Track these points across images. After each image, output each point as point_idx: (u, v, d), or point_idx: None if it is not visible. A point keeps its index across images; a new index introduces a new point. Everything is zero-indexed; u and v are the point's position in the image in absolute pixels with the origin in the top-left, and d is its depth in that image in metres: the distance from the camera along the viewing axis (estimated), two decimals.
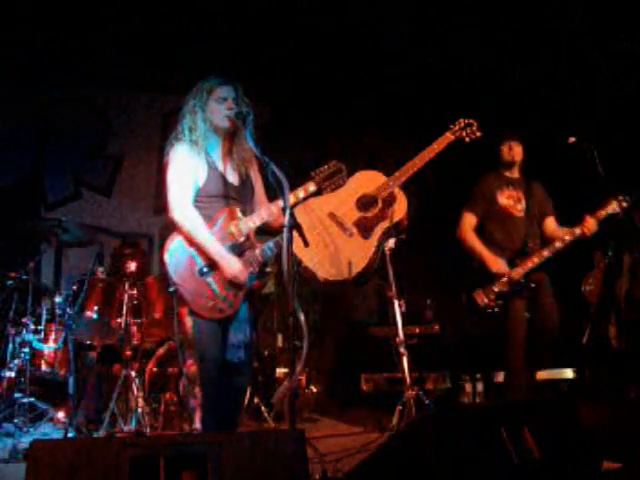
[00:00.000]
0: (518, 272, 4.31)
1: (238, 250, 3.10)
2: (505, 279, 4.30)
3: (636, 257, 5.35)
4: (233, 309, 3.08)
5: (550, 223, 4.61)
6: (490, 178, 4.65)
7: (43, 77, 6.44)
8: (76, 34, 5.93)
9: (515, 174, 4.66)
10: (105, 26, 5.89)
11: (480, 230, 4.57)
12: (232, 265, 3.03)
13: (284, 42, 6.19)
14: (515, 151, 4.59)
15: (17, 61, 6.16)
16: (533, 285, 4.32)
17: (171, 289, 3.04)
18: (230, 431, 3.08)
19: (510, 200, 4.56)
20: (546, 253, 4.34)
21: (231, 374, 3.13)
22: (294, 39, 6.17)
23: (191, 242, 3.04)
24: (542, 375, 5.54)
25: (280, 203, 3.08)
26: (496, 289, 4.32)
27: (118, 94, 6.82)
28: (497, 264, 4.34)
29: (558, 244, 4.34)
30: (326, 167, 3.30)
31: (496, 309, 4.31)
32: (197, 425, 3.07)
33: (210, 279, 3.04)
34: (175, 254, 3.05)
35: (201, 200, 3.12)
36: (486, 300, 4.34)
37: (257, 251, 3.13)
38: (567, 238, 4.34)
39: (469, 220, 4.59)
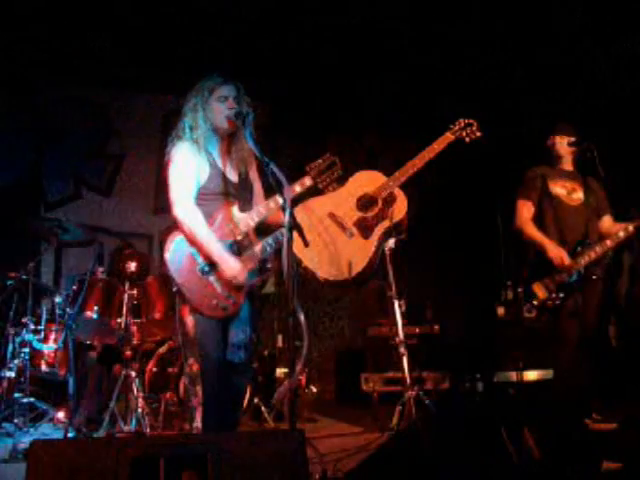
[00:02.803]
0: (580, 262, 4.12)
1: (237, 248, 3.10)
2: (566, 270, 4.11)
3: (636, 257, 5.35)
4: (236, 307, 3.08)
5: (607, 221, 4.43)
6: (541, 168, 4.47)
7: (43, 77, 6.44)
8: (76, 34, 5.94)
9: (569, 167, 4.48)
10: (105, 26, 5.89)
11: (535, 220, 4.37)
12: (231, 266, 3.03)
13: (284, 42, 6.19)
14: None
15: (17, 61, 6.16)
16: (595, 277, 4.15)
17: (174, 288, 3.04)
18: (230, 431, 3.09)
19: (564, 190, 4.38)
20: (609, 243, 4.17)
21: (231, 374, 3.13)
22: (294, 39, 6.17)
23: (191, 241, 3.04)
24: (541, 375, 5.55)
25: (278, 199, 3.12)
26: (557, 280, 4.12)
27: (118, 94, 6.82)
28: (559, 255, 4.13)
29: (622, 234, 4.18)
30: (320, 161, 3.31)
31: (557, 302, 4.10)
32: (198, 424, 3.07)
33: (212, 277, 3.04)
34: (176, 253, 3.05)
35: (201, 198, 3.12)
36: (547, 293, 4.14)
37: (256, 248, 3.13)
38: (631, 228, 4.18)
39: (526, 209, 4.38)
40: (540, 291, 4.17)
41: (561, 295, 4.12)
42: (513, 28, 5.97)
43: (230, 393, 3.15)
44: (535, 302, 4.18)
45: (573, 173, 4.48)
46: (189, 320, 3.09)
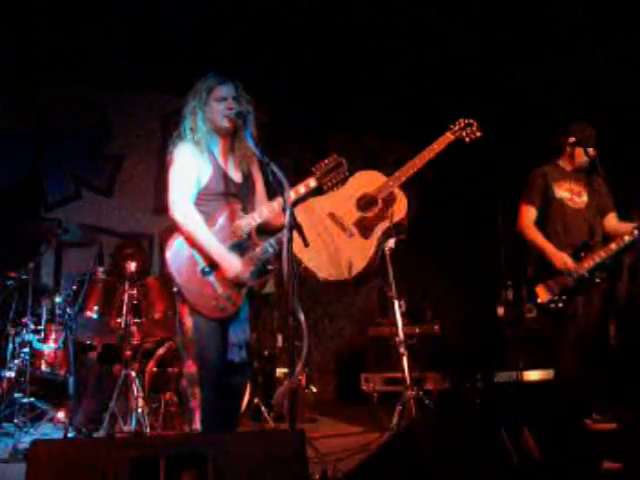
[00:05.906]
0: (584, 266, 4.11)
1: (239, 249, 3.09)
2: (570, 274, 4.10)
3: (635, 257, 5.35)
4: (235, 308, 3.08)
5: (611, 219, 4.41)
6: (546, 169, 4.43)
7: (43, 77, 6.44)
8: (76, 34, 5.94)
9: (575, 166, 4.43)
10: (105, 26, 5.89)
11: (539, 223, 4.35)
12: (233, 265, 3.03)
13: (284, 42, 6.19)
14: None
15: (17, 61, 6.16)
16: (598, 280, 4.13)
17: (174, 288, 3.04)
18: (230, 431, 3.08)
19: (568, 192, 4.34)
20: (614, 246, 4.16)
21: (231, 374, 3.13)
22: (294, 39, 6.17)
23: (192, 242, 3.04)
24: (541, 375, 5.55)
25: (281, 201, 3.08)
26: (560, 283, 4.12)
27: (118, 94, 6.81)
28: (562, 258, 4.13)
29: (627, 237, 4.17)
30: (326, 161, 3.27)
31: (560, 304, 4.10)
32: (197, 425, 3.06)
33: (213, 278, 3.04)
34: (177, 253, 3.05)
35: (203, 198, 3.11)
36: (549, 295, 4.14)
37: (258, 249, 3.12)
38: (636, 232, 4.16)
39: (529, 213, 4.35)
40: (543, 293, 4.17)
41: (564, 298, 4.12)
42: (513, 28, 5.97)
43: (228, 395, 3.15)
44: (537, 303, 4.19)
45: (578, 172, 4.46)
46: (187, 321, 3.08)
